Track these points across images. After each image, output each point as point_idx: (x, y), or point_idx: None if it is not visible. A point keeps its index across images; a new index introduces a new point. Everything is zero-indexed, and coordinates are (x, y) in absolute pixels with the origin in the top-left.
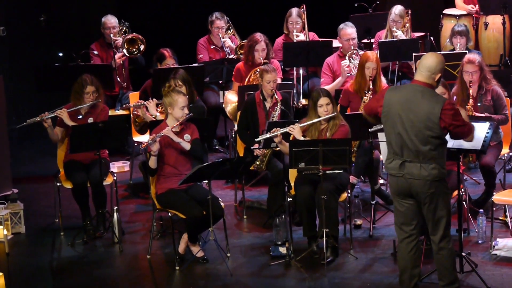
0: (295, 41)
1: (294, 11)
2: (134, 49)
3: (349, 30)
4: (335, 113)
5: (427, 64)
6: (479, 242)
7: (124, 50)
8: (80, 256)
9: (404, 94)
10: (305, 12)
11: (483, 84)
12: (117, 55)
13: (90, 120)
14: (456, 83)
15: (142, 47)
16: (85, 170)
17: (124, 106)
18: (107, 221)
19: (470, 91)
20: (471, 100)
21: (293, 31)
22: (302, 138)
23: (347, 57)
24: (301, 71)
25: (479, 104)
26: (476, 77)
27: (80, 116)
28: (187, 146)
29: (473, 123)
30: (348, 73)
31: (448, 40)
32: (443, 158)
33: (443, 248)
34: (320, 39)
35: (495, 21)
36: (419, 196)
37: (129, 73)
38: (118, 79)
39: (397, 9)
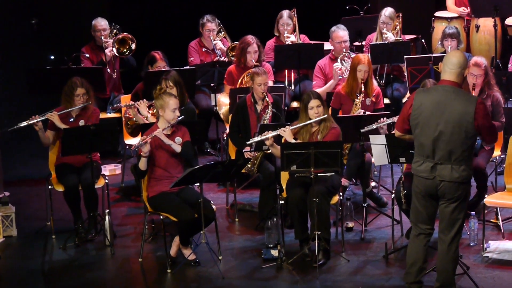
0: (286, 43)
1: (285, 13)
2: (125, 50)
3: (341, 32)
4: (326, 115)
5: (456, 61)
6: (471, 244)
7: (114, 50)
8: (72, 259)
9: (436, 96)
10: (295, 15)
11: (486, 88)
12: (108, 49)
13: (81, 122)
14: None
15: (133, 46)
16: (76, 173)
17: (115, 106)
18: (98, 224)
19: (472, 94)
20: None
21: (284, 33)
22: (294, 141)
23: (339, 60)
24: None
25: None
26: (480, 80)
27: (72, 119)
28: (178, 148)
29: None
30: (340, 76)
31: (439, 42)
32: (470, 160)
33: (451, 249)
34: (312, 42)
35: (486, 23)
36: (445, 197)
37: (120, 76)
38: (108, 70)
39: (387, 11)
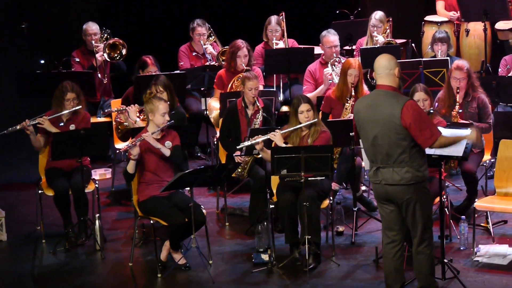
0: (274, 48)
1: (274, 19)
2: (116, 55)
3: (331, 37)
4: (316, 120)
5: (381, 65)
6: (461, 248)
7: (105, 55)
8: (62, 263)
9: (368, 100)
10: (284, 20)
11: (470, 91)
12: (98, 54)
13: (72, 127)
14: (443, 88)
15: (124, 51)
16: (66, 177)
17: (106, 111)
18: (89, 229)
19: (457, 97)
20: (457, 106)
21: (273, 39)
22: (284, 145)
23: (329, 65)
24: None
25: (461, 111)
26: (463, 83)
27: (62, 123)
28: (167, 152)
29: (454, 129)
30: (330, 81)
31: (429, 47)
32: (417, 161)
33: (420, 252)
34: (302, 46)
35: (476, 27)
36: (396, 201)
37: (110, 80)
38: (99, 75)
39: (377, 14)
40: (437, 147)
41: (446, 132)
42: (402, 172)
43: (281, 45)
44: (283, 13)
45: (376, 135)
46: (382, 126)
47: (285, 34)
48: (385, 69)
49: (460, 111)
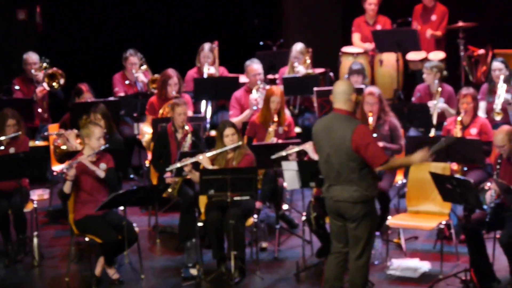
0: (205, 74)
1: (207, 46)
2: (54, 83)
3: (255, 66)
4: (240, 143)
5: (341, 90)
6: (375, 263)
7: (45, 84)
8: (1, 279)
9: (325, 122)
10: (217, 48)
11: (382, 115)
12: (38, 89)
13: (12, 150)
14: (357, 114)
15: (62, 81)
16: (6, 197)
17: (46, 134)
18: (27, 246)
19: (370, 120)
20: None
21: (205, 64)
22: (211, 167)
23: (254, 90)
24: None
25: (375, 135)
26: (375, 108)
27: (2, 147)
28: (101, 174)
29: None
30: (255, 107)
31: (346, 76)
32: (366, 181)
33: (357, 265)
34: (230, 75)
35: (389, 58)
36: (345, 216)
37: (48, 106)
38: (40, 110)
39: (298, 46)
40: (385, 169)
41: None
42: (351, 191)
43: (212, 71)
44: (217, 41)
45: (329, 154)
46: (335, 146)
47: (217, 61)
48: (344, 94)
49: (375, 135)
